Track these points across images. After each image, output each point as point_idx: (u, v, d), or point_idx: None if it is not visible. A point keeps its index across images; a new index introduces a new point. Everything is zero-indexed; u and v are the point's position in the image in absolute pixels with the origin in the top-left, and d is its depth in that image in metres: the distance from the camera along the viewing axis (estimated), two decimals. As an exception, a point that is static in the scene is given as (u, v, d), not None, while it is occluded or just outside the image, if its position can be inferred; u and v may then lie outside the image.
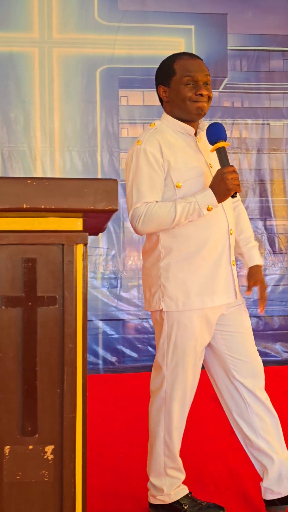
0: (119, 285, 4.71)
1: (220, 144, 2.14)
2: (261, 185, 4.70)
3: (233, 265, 2.27)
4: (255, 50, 4.69)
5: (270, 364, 4.62)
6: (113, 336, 4.70)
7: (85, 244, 1.36)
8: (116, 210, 1.31)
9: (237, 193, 2.14)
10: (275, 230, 4.73)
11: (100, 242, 4.67)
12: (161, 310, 2.25)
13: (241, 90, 4.70)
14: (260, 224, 4.71)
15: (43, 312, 1.34)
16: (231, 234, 2.26)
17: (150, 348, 4.73)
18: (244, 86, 4.68)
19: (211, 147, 2.19)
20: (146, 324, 4.74)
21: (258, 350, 4.69)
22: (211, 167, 2.23)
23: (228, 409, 2.39)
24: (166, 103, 2.31)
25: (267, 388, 4.02)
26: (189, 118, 2.24)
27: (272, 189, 4.71)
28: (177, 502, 2.35)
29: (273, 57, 4.67)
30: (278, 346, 4.73)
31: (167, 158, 2.19)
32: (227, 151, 2.17)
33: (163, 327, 2.28)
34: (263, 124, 4.67)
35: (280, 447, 2.34)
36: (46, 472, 1.36)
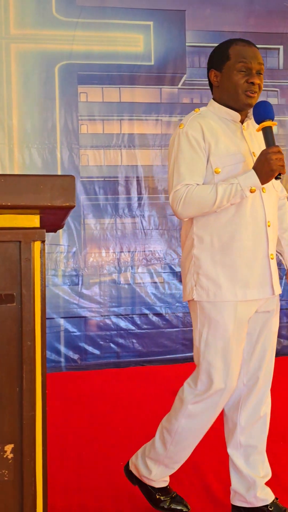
0: (80, 282, 4.70)
1: (266, 124, 2.07)
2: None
3: (272, 258, 2.18)
4: (213, 46, 4.69)
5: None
6: (75, 334, 4.68)
7: (43, 241, 1.35)
8: (73, 206, 1.31)
9: (281, 175, 2.05)
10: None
11: (60, 239, 4.64)
12: (193, 300, 2.20)
13: (200, 86, 4.72)
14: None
15: (1, 310, 1.33)
16: (269, 226, 2.16)
17: (112, 345, 4.74)
18: (203, 83, 4.68)
19: (258, 136, 2.16)
20: (108, 321, 4.74)
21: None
22: (254, 156, 2.15)
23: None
24: (216, 88, 2.24)
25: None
26: (237, 106, 2.18)
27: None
28: (153, 488, 2.39)
29: (231, 54, 4.71)
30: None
31: (209, 142, 2.13)
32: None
33: (197, 320, 2.22)
34: (222, 120, 4.71)
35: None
36: (6, 472, 1.34)
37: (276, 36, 4.74)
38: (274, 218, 2.21)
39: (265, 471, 2.35)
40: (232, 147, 2.14)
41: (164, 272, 4.79)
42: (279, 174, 2.03)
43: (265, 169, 2.02)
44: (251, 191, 2.06)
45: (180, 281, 4.77)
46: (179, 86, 4.73)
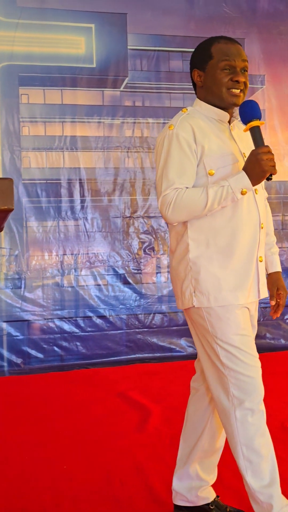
0: (23, 286, 4.65)
1: (254, 123, 2.02)
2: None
3: (260, 261, 2.15)
4: (154, 50, 4.75)
5: (176, 359, 4.72)
6: (18, 338, 4.63)
7: (-19, 244, 1.33)
8: (12, 209, 1.30)
9: (272, 175, 1.99)
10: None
11: (2, 242, 4.59)
12: (193, 307, 2.10)
13: (142, 89, 4.75)
14: (163, 222, 4.77)
15: None
16: (261, 228, 2.13)
17: (56, 348, 4.70)
18: (145, 86, 4.74)
19: (245, 136, 2.12)
20: (51, 324, 4.71)
21: (163, 346, 4.81)
22: (244, 156, 2.09)
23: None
24: (200, 88, 2.17)
25: (175, 383, 4.11)
26: (223, 105, 2.11)
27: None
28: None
29: (172, 58, 4.76)
30: (183, 342, 4.83)
31: (201, 144, 2.05)
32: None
33: (200, 328, 2.13)
34: (164, 123, 4.74)
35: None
36: None
37: (216, 41, 4.82)
38: (265, 220, 2.19)
39: (215, 474, 2.37)
40: (224, 148, 2.08)
41: (107, 275, 4.79)
42: (270, 175, 1.99)
43: (256, 170, 1.97)
44: (242, 193, 2.00)
45: (124, 283, 4.79)
46: (121, 88, 4.74)
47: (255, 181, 1.99)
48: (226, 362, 2.08)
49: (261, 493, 2.08)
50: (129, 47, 4.75)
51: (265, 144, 2.02)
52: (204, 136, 2.07)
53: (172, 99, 4.76)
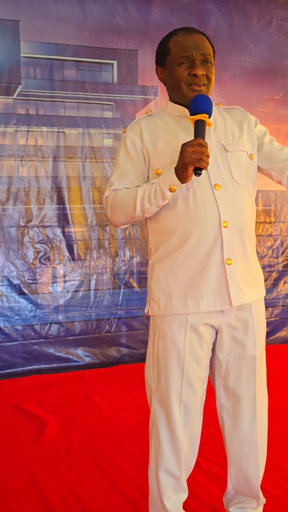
0: None
1: (199, 117, 1.84)
2: (59, 193, 4.74)
3: (229, 264, 1.93)
4: (48, 58, 4.72)
5: (73, 369, 4.68)
6: None
7: None
8: None
9: (202, 170, 1.79)
10: (74, 237, 4.80)
11: None
12: (147, 315, 2.03)
13: (36, 97, 4.70)
14: (58, 231, 4.74)
15: None
16: (225, 227, 1.92)
17: None
18: (39, 94, 4.69)
19: (219, 128, 2.01)
20: None
21: (60, 357, 4.76)
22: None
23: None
24: (164, 85, 2.05)
25: (71, 393, 4.07)
26: (184, 101, 1.97)
27: (70, 197, 4.77)
28: None
29: (66, 67, 4.74)
30: (80, 351, 4.80)
31: (148, 144, 1.97)
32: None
33: (149, 335, 2.03)
34: (58, 132, 4.72)
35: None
36: None
37: (109, 51, 4.85)
38: (236, 218, 1.95)
39: None
40: (177, 144, 1.89)
41: (2, 285, 4.68)
42: (199, 169, 1.79)
43: (179, 163, 1.81)
44: (171, 190, 1.84)
45: (20, 293, 4.70)
46: (14, 96, 4.67)
47: (180, 176, 1.82)
48: (155, 378, 2.05)
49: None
50: (22, 55, 4.68)
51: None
52: (152, 136, 1.99)
53: (66, 108, 4.75)
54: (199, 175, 1.81)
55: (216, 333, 2.05)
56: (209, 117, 1.88)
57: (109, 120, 4.87)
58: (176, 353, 1.98)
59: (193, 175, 1.83)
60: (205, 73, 1.95)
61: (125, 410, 3.67)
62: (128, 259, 4.95)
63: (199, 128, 1.84)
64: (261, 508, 2.25)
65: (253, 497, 2.19)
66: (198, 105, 1.87)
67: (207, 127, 1.89)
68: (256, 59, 5.26)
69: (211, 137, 1.98)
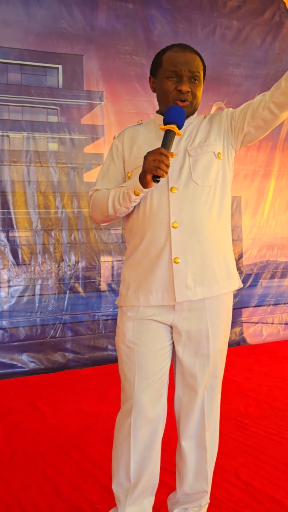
0: None
1: (169, 127, 1.94)
2: (3, 197, 4.69)
3: (176, 262, 2.01)
4: (-7, 61, 4.67)
5: (18, 375, 4.63)
6: None
7: None
8: None
9: (161, 178, 1.90)
10: (18, 242, 4.75)
11: None
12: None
13: (-20, 100, 4.65)
14: (2, 236, 4.69)
15: None
16: (174, 227, 2.00)
17: None
18: (-18, 97, 4.64)
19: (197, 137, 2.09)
20: None
21: (4, 363, 4.70)
22: (173, 156, 1.99)
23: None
24: (156, 95, 2.17)
25: (15, 399, 4.03)
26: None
27: (14, 201, 4.73)
28: None
29: (10, 70, 4.70)
30: (24, 357, 4.75)
31: (125, 149, 2.14)
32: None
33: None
34: (2, 136, 4.67)
35: None
36: None
37: (55, 56, 4.83)
38: (189, 218, 2.02)
39: None
40: (146, 151, 1.98)
41: None
42: (157, 177, 1.91)
43: (142, 170, 1.94)
44: (135, 194, 1.97)
45: None
46: None
47: (142, 181, 1.95)
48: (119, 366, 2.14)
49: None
50: None
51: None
52: (131, 142, 2.15)
53: (10, 112, 4.70)
54: (157, 182, 1.92)
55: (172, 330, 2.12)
56: (180, 128, 1.97)
57: (54, 124, 4.85)
58: (125, 345, 2.10)
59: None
60: (190, 90, 2.06)
61: (70, 416, 3.65)
62: (74, 264, 4.94)
63: (165, 138, 1.94)
64: (204, 508, 2.28)
65: (199, 498, 2.22)
66: (169, 116, 1.97)
67: (177, 136, 2.03)
68: (201, 67, 5.33)
69: (180, 145, 2.08)
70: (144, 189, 1.97)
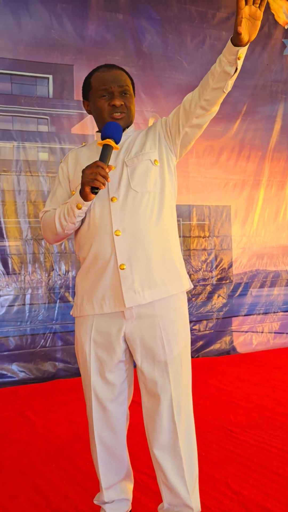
0: None
1: (106, 141, 2.04)
2: (-7, 206, 4.69)
3: (122, 269, 2.06)
4: (-18, 71, 4.68)
5: (7, 385, 4.62)
6: None
7: None
8: None
9: (98, 189, 1.99)
10: (8, 251, 4.75)
11: None
12: None
13: None
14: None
15: None
16: (117, 235, 2.07)
17: None
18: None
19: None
20: None
21: (-6, 372, 4.66)
22: (112, 168, 2.13)
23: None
24: (93, 116, 2.26)
25: (5, 409, 4.02)
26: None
27: (4, 210, 4.73)
28: None
29: (1, 80, 4.71)
30: (14, 367, 4.74)
31: (69, 170, 2.25)
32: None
33: None
34: (-8, 145, 4.68)
35: None
36: None
37: (45, 66, 4.85)
38: (130, 225, 2.08)
39: None
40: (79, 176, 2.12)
41: None
42: (95, 188, 1.99)
43: (80, 183, 2.03)
44: (78, 208, 2.06)
45: None
46: None
47: (82, 195, 2.03)
48: None
49: None
50: None
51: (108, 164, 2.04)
52: (74, 163, 2.25)
53: (0, 121, 4.71)
54: (96, 193, 2.02)
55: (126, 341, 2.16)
56: (117, 142, 2.07)
57: (44, 134, 4.86)
58: (83, 357, 2.19)
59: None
60: (123, 103, 2.16)
61: (60, 426, 3.64)
62: (64, 273, 4.94)
63: (103, 152, 2.04)
64: None
65: (186, 508, 2.21)
66: (106, 132, 2.07)
67: (116, 151, 2.15)
68: (190, 77, 5.37)
69: (119, 158, 2.17)
70: (85, 202, 2.05)
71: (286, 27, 6.01)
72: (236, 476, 2.84)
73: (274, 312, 6.02)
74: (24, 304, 4.81)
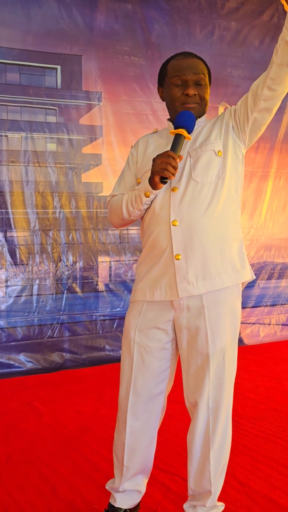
0: None
1: (179, 131, 2.04)
2: (1, 197, 4.70)
3: (177, 259, 2.08)
4: (-9, 61, 4.67)
5: (15, 375, 4.64)
6: None
7: None
8: None
9: (167, 179, 2.00)
10: (16, 242, 4.75)
11: None
12: None
13: (-22, 100, 4.65)
14: (0, 235, 4.70)
15: None
16: (174, 225, 2.08)
17: None
18: (-19, 97, 4.64)
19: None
20: None
21: (2, 362, 4.70)
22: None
23: None
24: (165, 103, 2.26)
25: (12, 399, 4.03)
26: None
27: (12, 201, 4.73)
28: None
29: (9, 70, 4.70)
30: (22, 357, 4.76)
31: (138, 156, 2.26)
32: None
33: None
34: (1, 136, 4.68)
35: None
36: None
37: (54, 56, 4.84)
38: (188, 215, 2.08)
39: None
40: (150, 159, 2.13)
41: None
42: (165, 178, 2.01)
43: (150, 172, 2.04)
44: (146, 195, 2.08)
45: None
46: None
47: (151, 183, 2.05)
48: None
49: None
50: None
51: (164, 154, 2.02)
52: (143, 149, 2.26)
53: (9, 112, 4.71)
54: (165, 183, 2.03)
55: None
56: (189, 132, 2.07)
57: (52, 125, 4.85)
58: (127, 342, 2.20)
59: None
60: (197, 93, 2.15)
61: (67, 416, 3.66)
62: (71, 264, 4.94)
63: (174, 141, 2.04)
64: (215, 510, 2.24)
65: (203, 497, 2.22)
66: (179, 121, 2.07)
67: (187, 140, 2.11)
68: (199, 68, 5.33)
69: (185, 148, 2.16)
70: (153, 191, 2.07)
71: (296, 18, 5.96)
72: (242, 468, 2.85)
73: (282, 304, 6.01)
74: (31, 295, 4.82)
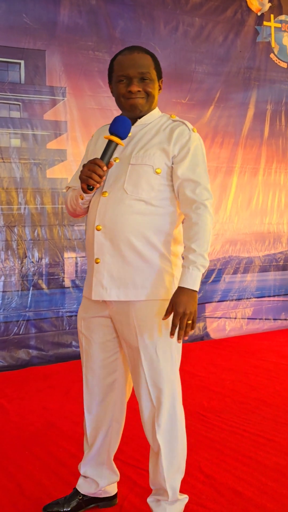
0: None
1: (111, 138, 2.07)
2: None
3: (96, 262, 2.11)
4: None
5: None
6: None
7: None
8: None
9: (92, 187, 2.04)
10: None
11: None
12: None
13: None
14: None
15: None
16: (98, 230, 2.09)
17: None
18: None
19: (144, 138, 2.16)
20: None
21: None
22: (116, 161, 2.13)
23: None
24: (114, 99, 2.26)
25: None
26: (125, 115, 2.18)
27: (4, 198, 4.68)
28: None
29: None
30: (-13, 354, 4.72)
31: (90, 147, 2.33)
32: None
33: None
34: None
35: None
36: None
37: (17, 51, 4.79)
38: (111, 222, 2.07)
39: None
40: (98, 153, 2.12)
41: None
42: (91, 187, 2.04)
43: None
44: (81, 198, 2.19)
45: None
46: None
47: (82, 188, 2.10)
48: None
49: None
50: None
51: (97, 157, 2.07)
52: (94, 142, 2.32)
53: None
54: (91, 190, 2.07)
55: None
56: (123, 138, 2.09)
57: (16, 120, 4.81)
58: (78, 333, 2.33)
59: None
60: (141, 89, 2.12)
61: (34, 413, 3.64)
62: (37, 260, 4.91)
63: (106, 148, 2.07)
64: (178, 504, 2.25)
65: (161, 493, 2.22)
66: (113, 127, 2.10)
67: (128, 138, 2.15)
68: (163, 63, 5.24)
69: (126, 149, 2.15)
70: (84, 195, 2.17)
71: (259, 14, 6.01)
72: (208, 460, 2.88)
73: (247, 298, 6.07)
74: (-3, 292, 4.78)
